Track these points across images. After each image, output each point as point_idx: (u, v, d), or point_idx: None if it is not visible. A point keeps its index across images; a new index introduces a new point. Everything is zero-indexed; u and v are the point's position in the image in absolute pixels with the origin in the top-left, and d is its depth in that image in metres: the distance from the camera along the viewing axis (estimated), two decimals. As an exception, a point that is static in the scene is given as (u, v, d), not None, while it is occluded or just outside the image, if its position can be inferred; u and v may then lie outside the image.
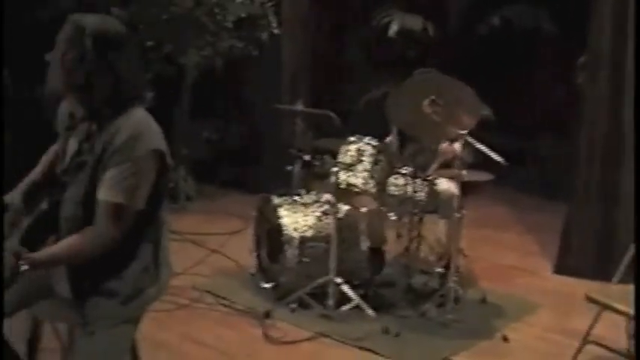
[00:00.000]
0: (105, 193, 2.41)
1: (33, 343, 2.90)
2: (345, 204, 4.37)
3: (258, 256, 4.75)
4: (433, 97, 4.20)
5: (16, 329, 2.78)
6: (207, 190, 6.94)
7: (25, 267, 2.29)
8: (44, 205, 2.60)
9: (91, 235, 2.42)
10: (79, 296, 2.49)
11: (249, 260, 4.86)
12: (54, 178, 2.68)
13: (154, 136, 2.49)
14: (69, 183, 2.53)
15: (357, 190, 4.26)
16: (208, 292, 4.61)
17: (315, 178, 4.87)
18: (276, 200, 4.57)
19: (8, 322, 2.71)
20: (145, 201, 2.47)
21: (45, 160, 2.83)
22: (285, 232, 4.39)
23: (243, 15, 6.25)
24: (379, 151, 4.30)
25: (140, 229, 2.51)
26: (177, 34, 6.14)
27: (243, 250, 4.98)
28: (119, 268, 2.50)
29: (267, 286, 4.58)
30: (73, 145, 2.60)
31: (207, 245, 5.41)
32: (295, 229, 4.39)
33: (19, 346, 2.80)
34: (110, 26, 2.50)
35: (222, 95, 7.40)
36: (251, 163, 7.12)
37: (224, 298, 4.52)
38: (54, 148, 2.78)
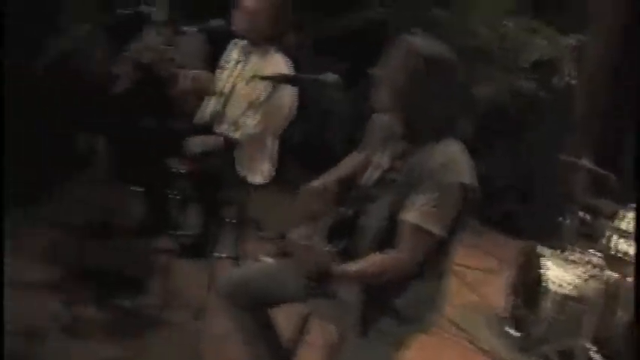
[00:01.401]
0: (414, 217, 2.46)
1: (298, 335, 3.05)
2: (614, 271, 4.22)
3: (514, 301, 4.71)
4: None
5: (284, 318, 2.99)
6: (471, 224, 6.88)
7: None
8: (350, 212, 2.70)
9: (397, 257, 2.50)
10: (366, 307, 2.58)
11: (498, 301, 4.85)
12: (357, 185, 2.79)
13: (465, 169, 2.52)
14: (376, 196, 2.64)
15: (628, 259, 4.12)
16: (454, 322, 4.65)
17: (585, 236, 4.74)
18: (542, 250, 4.51)
19: (279, 310, 2.92)
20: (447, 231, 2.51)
21: (356, 161, 2.91)
22: (547, 284, 4.33)
23: (541, 58, 6.20)
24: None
25: (434, 257, 2.57)
26: (471, 64, 6.19)
27: (495, 290, 4.99)
28: (408, 290, 2.58)
29: (515, 333, 4.54)
30: (385, 160, 2.70)
31: (459, 276, 5.44)
32: (558, 284, 4.31)
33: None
34: (443, 52, 2.56)
35: (503, 131, 7.34)
36: (518, 205, 7.02)
37: (468, 333, 4.54)
38: (362, 156, 2.86)
